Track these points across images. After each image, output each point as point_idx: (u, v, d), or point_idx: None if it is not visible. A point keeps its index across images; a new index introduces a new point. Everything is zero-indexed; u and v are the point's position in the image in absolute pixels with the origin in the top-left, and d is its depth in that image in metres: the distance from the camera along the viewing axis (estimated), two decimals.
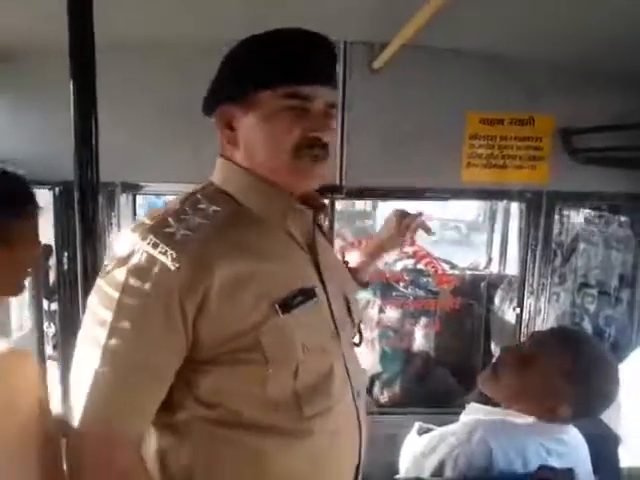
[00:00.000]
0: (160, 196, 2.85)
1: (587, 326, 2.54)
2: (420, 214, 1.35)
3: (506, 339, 2.54)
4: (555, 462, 1.13)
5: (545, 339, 1.21)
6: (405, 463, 1.27)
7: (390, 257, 2.50)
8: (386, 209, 2.35)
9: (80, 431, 0.80)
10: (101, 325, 0.81)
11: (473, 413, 1.25)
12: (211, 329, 0.83)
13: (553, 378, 1.13)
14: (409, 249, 2.33)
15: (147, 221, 0.86)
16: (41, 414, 0.84)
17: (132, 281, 0.80)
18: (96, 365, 0.80)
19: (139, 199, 2.15)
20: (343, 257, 1.41)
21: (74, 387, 0.83)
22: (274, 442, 0.87)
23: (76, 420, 0.80)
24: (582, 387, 1.12)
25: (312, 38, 0.86)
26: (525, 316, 2.16)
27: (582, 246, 2.56)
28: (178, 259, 0.80)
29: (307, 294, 0.89)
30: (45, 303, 2.28)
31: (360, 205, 8.37)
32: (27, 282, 1.09)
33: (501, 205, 3.29)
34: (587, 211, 2.52)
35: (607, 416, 1.22)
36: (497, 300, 2.92)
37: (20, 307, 2.61)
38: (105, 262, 0.87)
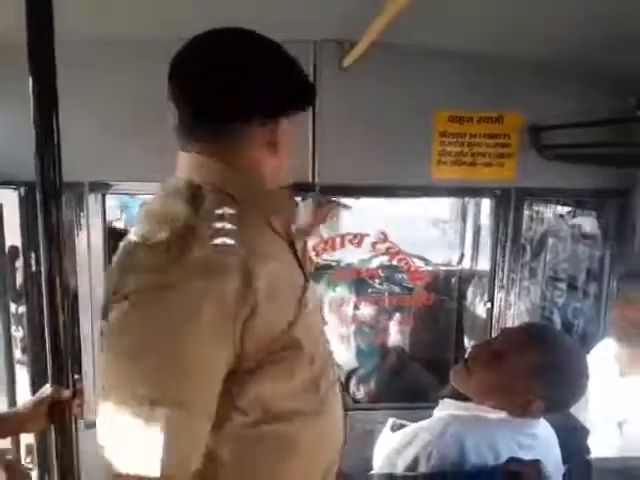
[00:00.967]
0: (134, 196, 2.81)
1: (556, 319, 2.59)
2: (338, 203, 1.37)
3: (478, 334, 2.58)
4: (526, 455, 1.15)
5: (515, 335, 1.23)
6: (379, 459, 1.28)
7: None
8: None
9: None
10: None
11: (446, 409, 1.26)
12: (257, 336, 0.82)
13: (523, 374, 1.15)
14: (382, 246, 2.34)
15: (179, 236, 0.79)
16: None
17: (181, 305, 0.76)
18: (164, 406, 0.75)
19: (111, 199, 2.11)
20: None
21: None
22: (296, 426, 0.91)
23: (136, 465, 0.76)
24: (552, 383, 1.14)
25: None
26: (496, 311, 2.20)
27: (551, 241, 2.62)
28: (229, 270, 0.77)
29: (305, 286, 0.94)
30: (13, 306, 2.23)
31: None
32: None
33: (472, 202, 3.33)
34: (556, 207, 2.57)
35: (576, 408, 1.25)
36: (469, 295, 2.97)
37: None
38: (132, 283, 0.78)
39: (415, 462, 1.16)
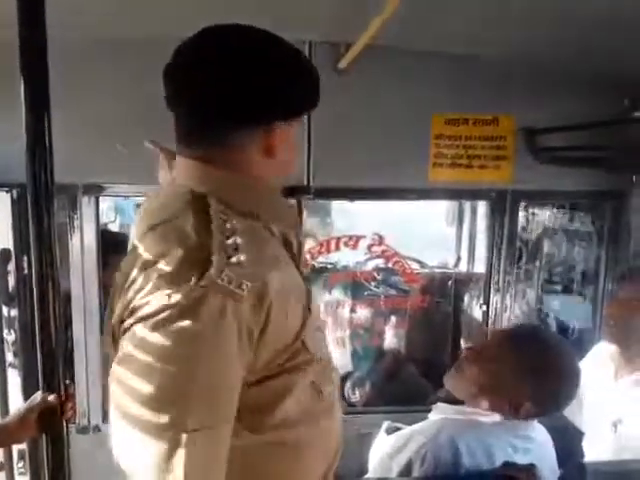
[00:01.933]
0: (128, 198, 2.80)
1: (552, 322, 2.59)
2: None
3: (474, 337, 2.57)
4: (521, 458, 1.15)
5: (506, 337, 1.23)
6: (373, 463, 1.27)
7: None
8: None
9: None
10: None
11: (441, 412, 1.26)
12: (270, 346, 0.81)
13: (514, 376, 1.15)
14: (378, 249, 2.34)
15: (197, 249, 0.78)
16: None
17: (201, 330, 0.74)
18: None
19: (105, 201, 2.09)
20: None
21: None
22: (300, 430, 0.91)
23: None
24: (543, 384, 1.14)
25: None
26: (492, 313, 2.19)
27: (546, 244, 2.62)
28: (246, 287, 0.76)
29: (309, 292, 0.94)
30: (4, 309, 2.21)
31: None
32: None
33: (468, 204, 3.33)
34: (551, 209, 2.57)
35: (570, 411, 1.25)
36: (466, 298, 2.96)
37: None
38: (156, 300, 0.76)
39: (409, 465, 1.15)
